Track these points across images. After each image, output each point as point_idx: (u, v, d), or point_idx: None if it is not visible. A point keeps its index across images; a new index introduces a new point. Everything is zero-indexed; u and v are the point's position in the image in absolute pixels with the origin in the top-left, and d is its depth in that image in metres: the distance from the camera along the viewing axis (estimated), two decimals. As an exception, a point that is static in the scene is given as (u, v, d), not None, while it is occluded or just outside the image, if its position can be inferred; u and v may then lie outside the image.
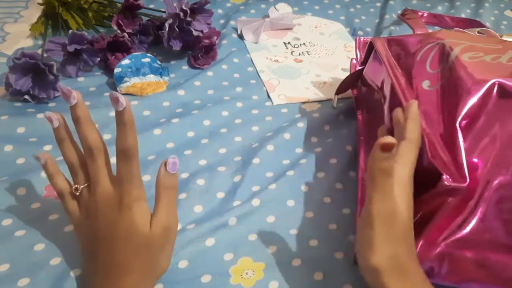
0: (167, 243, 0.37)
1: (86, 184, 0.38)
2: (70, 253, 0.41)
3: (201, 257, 0.41)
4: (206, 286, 0.39)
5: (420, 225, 0.37)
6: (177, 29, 0.63)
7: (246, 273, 0.40)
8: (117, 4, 0.72)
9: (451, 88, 0.40)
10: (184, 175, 0.50)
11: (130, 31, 0.65)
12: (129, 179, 0.36)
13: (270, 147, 0.53)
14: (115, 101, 0.34)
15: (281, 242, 0.43)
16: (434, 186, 0.35)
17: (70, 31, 0.60)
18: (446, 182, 0.34)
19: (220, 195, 0.48)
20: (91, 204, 0.37)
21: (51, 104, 0.58)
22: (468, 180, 0.35)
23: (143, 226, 0.35)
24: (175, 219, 0.37)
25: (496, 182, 0.38)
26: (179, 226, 0.43)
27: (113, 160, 0.38)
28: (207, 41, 0.66)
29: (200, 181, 0.49)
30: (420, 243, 0.38)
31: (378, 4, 0.89)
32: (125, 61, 0.61)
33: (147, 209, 0.36)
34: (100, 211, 0.36)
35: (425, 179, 0.36)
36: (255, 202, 0.47)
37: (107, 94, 0.60)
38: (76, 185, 0.38)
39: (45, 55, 0.62)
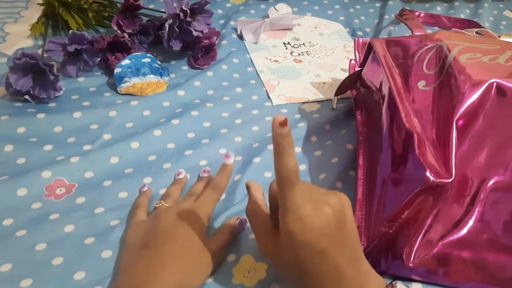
0: (211, 263, 0.39)
1: (168, 205, 0.43)
2: (72, 253, 0.41)
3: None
4: (208, 286, 0.39)
5: (409, 223, 0.37)
6: (177, 30, 0.64)
7: (248, 272, 0.40)
8: (117, 4, 0.72)
9: (449, 88, 0.40)
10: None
11: (130, 31, 0.65)
12: (208, 201, 0.42)
13: (270, 147, 0.54)
14: (226, 157, 0.46)
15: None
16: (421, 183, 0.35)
17: (70, 31, 0.61)
18: (430, 178, 0.34)
19: (220, 195, 0.48)
20: (169, 207, 0.42)
21: (52, 104, 0.58)
22: (453, 176, 0.35)
23: (201, 238, 0.39)
24: (225, 254, 0.41)
25: (492, 181, 0.38)
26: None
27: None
28: (207, 41, 0.66)
29: (200, 181, 0.49)
30: (417, 242, 0.38)
31: (378, 5, 0.89)
32: (125, 61, 0.61)
33: (205, 231, 0.40)
34: (174, 209, 0.41)
35: (413, 176, 0.36)
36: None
37: (107, 94, 0.61)
38: (161, 201, 0.44)
39: (45, 55, 0.62)
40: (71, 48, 0.60)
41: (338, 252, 0.33)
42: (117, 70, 0.61)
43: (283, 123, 0.31)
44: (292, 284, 0.37)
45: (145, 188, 0.47)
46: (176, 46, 0.65)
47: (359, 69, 0.59)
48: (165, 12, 0.67)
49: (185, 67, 0.68)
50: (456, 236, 0.38)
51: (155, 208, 0.43)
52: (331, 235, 0.32)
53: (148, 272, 0.36)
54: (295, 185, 0.32)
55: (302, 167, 0.52)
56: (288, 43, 0.75)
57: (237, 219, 0.43)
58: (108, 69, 0.64)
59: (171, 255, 0.37)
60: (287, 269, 0.35)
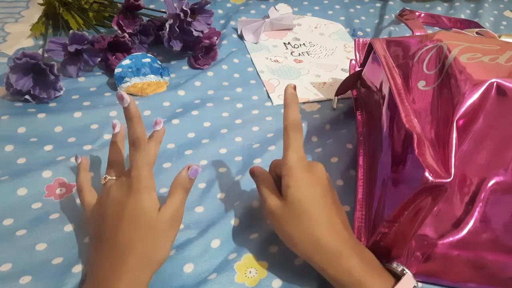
0: (171, 230, 0.38)
1: (114, 178, 0.41)
2: (72, 252, 0.41)
3: (205, 257, 0.42)
4: (211, 283, 0.39)
5: (409, 223, 0.37)
6: (177, 30, 0.64)
7: (250, 272, 0.40)
8: (118, 4, 0.72)
9: (449, 88, 0.40)
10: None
11: (130, 31, 0.65)
12: (137, 166, 0.38)
13: (271, 147, 0.54)
14: (120, 98, 0.37)
15: (283, 241, 0.43)
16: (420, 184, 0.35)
17: (71, 31, 0.61)
18: (429, 178, 0.34)
19: (221, 195, 0.48)
20: (107, 190, 0.39)
21: (52, 104, 0.58)
22: (452, 176, 0.35)
23: (150, 211, 0.37)
24: (182, 213, 0.39)
25: (492, 181, 0.38)
26: (181, 226, 0.43)
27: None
28: (207, 41, 0.66)
29: (201, 183, 0.49)
30: (414, 242, 0.38)
31: (378, 5, 0.89)
32: (126, 61, 0.61)
33: (155, 197, 0.38)
34: (112, 194, 0.38)
35: (412, 176, 0.36)
36: (255, 204, 0.47)
37: (107, 94, 0.61)
38: (106, 175, 0.41)
39: (45, 55, 0.62)
40: (71, 48, 0.60)
41: (333, 207, 0.39)
42: (117, 70, 0.61)
43: (294, 88, 0.42)
44: (300, 255, 0.38)
45: (79, 160, 0.44)
46: (177, 46, 0.65)
47: (359, 69, 0.59)
48: (165, 12, 0.67)
49: (186, 67, 0.68)
50: (456, 237, 0.38)
51: (103, 185, 0.41)
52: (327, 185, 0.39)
53: (107, 272, 0.35)
54: (300, 131, 0.39)
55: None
56: (289, 43, 0.75)
57: (188, 168, 0.39)
58: (108, 69, 0.64)
59: (127, 241, 0.36)
60: (289, 237, 0.38)
